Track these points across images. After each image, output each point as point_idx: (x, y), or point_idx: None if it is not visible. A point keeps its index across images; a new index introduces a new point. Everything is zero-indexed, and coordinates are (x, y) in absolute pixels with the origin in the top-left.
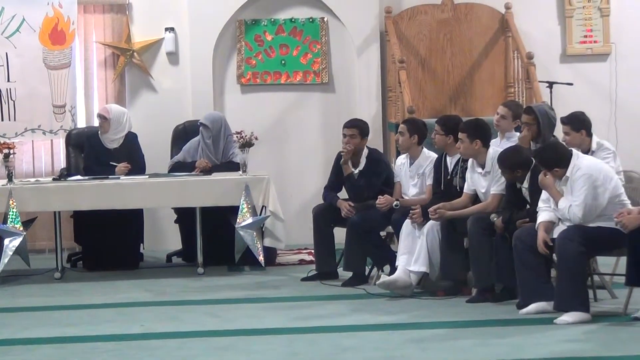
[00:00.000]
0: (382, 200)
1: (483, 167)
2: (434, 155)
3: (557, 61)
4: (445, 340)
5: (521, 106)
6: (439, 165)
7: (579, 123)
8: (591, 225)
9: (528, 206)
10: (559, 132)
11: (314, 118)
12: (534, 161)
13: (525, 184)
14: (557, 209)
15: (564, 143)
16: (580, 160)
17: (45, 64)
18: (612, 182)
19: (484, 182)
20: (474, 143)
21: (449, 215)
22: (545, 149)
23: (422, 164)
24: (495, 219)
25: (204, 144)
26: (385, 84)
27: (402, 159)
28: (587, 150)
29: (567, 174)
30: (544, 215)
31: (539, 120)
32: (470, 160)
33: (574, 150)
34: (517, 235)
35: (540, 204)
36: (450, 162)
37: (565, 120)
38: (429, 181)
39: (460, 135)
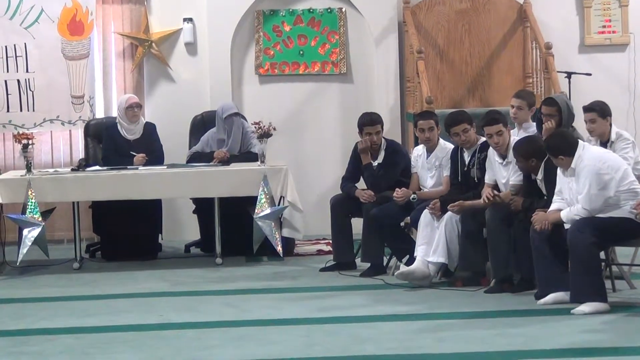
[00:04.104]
0: (399, 193)
1: (504, 157)
2: (450, 146)
3: (576, 51)
4: (463, 330)
5: (534, 94)
6: (456, 156)
7: (605, 110)
8: (602, 215)
9: (545, 197)
10: (576, 123)
11: (332, 108)
12: None
13: (540, 176)
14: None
15: (577, 132)
16: (584, 152)
17: (63, 55)
18: (620, 171)
19: (504, 172)
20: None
21: (468, 204)
22: (554, 136)
23: (440, 155)
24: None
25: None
26: (404, 75)
27: (419, 150)
28: (606, 140)
29: (572, 165)
30: (555, 206)
31: (561, 111)
32: (490, 151)
33: (580, 141)
34: (534, 226)
35: (555, 197)
36: (467, 153)
37: (592, 107)
38: (446, 172)
39: (495, 128)
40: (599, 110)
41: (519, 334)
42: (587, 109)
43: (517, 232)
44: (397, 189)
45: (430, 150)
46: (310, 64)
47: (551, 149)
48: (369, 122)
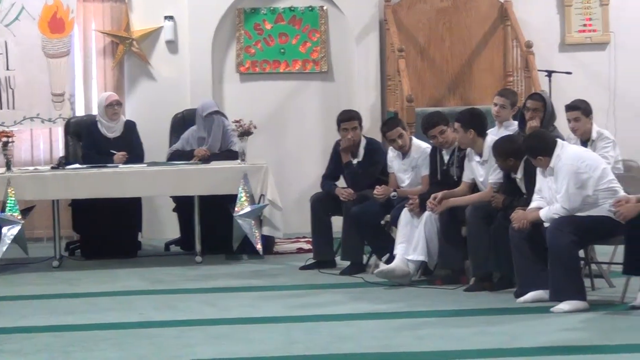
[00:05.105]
0: (379, 190)
1: (481, 155)
2: (425, 146)
3: (556, 50)
4: (443, 328)
5: (516, 93)
6: (434, 155)
7: (588, 109)
8: (581, 214)
9: (525, 196)
10: (556, 122)
11: (312, 107)
12: None
13: (519, 174)
14: (546, 199)
15: (557, 131)
16: (563, 150)
17: (44, 52)
18: (598, 170)
19: (482, 170)
20: (468, 132)
21: (451, 203)
22: (532, 137)
23: (415, 156)
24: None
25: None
26: (385, 73)
27: (394, 152)
28: (587, 139)
29: (551, 164)
30: (534, 204)
31: (547, 107)
32: (468, 149)
33: (559, 140)
34: (513, 225)
35: (534, 196)
36: (446, 152)
37: (577, 106)
38: (425, 172)
39: (455, 125)
40: (583, 109)
41: (499, 332)
42: (570, 107)
43: (496, 231)
44: (377, 186)
45: (405, 153)
46: (291, 62)
47: (529, 150)
48: (346, 117)
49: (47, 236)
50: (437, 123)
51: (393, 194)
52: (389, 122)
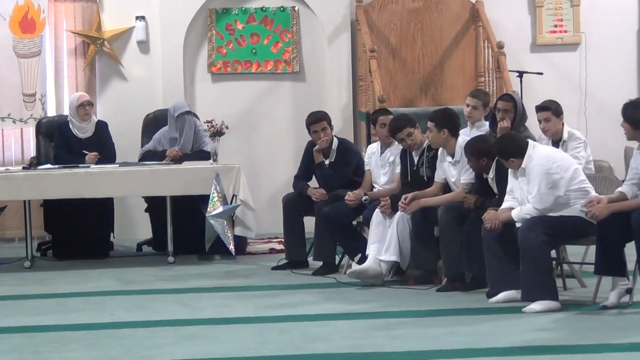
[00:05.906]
0: (350, 196)
1: (453, 156)
2: None
3: (528, 51)
4: (415, 329)
5: (488, 94)
6: (405, 156)
7: (559, 109)
8: (553, 214)
9: (497, 196)
10: (527, 123)
11: (284, 107)
12: None
13: (491, 175)
14: (519, 200)
15: (528, 131)
16: (534, 151)
17: (15, 53)
18: (569, 171)
19: (454, 171)
20: (441, 132)
21: (422, 203)
22: (503, 139)
23: (394, 151)
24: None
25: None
26: (356, 73)
27: (374, 148)
28: (559, 139)
29: (523, 165)
30: (506, 204)
31: (517, 108)
32: (440, 149)
33: (530, 141)
34: (485, 225)
35: (506, 196)
36: (416, 153)
37: (547, 106)
38: (398, 169)
39: (428, 124)
40: (554, 110)
41: (471, 332)
42: (541, 108)
43: (469, 231)
44: (348, 192)
45: (386, 146)
46: (262, 63)
47: (501, 152)
48: (315, 120)
49: (19, 237)
50: (404, 126)
51: (365, 198)
52: (382, 109)
